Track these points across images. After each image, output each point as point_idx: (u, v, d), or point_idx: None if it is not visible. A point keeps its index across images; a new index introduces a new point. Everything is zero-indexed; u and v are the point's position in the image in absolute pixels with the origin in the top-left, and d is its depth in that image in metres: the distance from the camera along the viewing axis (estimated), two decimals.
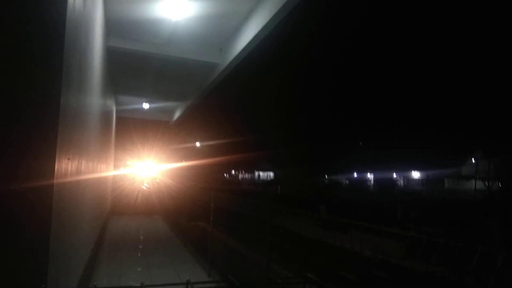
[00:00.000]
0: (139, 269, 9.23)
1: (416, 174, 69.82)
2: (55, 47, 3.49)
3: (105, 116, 11.41)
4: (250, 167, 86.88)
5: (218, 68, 11.38)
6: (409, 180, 70.33)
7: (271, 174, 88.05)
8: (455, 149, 57.07)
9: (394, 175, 68.43)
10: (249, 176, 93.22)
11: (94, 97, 7.39)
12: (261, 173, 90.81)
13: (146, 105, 18.02)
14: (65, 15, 3.57)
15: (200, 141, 38.49)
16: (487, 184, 45.47)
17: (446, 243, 7.46)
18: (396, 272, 7.87)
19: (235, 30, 9.41)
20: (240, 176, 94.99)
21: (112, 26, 9.49)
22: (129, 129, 20.28)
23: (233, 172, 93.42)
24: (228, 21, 9.01)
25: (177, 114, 20.05)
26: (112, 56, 10.85)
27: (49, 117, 3.41)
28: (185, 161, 30.20)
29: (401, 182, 67.92)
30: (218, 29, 9.57)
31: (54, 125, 3.45)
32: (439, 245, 7.80)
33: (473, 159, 54.74)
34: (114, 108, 16.86)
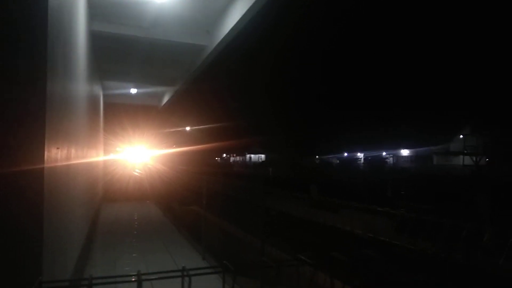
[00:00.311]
0: (134, 256, 9.28)
1: (405, 152, 70.70)
2: (39, 34, 3.40)
3: (93, 102, 11.24)
4: (241, 150, 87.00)
5: (205, 51, 11.22)
6: (398, 157, 71.25)
7: (262, 156, 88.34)
8: (443, 125, 57.84)
9: (384, 153, 69.28)
10: (241, 159, 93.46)
11: (81, 83, 7.25)
12: (252, 156, 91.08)
13: (134, 90, 17.78)
14: (46, 2, 3.46)
15: (191, 125, 38.31)
16: (474, 159, 46.25)
17: (435, 220, 7.63)
18: (387, 250, 8.04)
19: (222, 11, 9.24)
20: (232, 159, 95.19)
21: (96, 10, 9.23)
22: (118, 115, 20.03)
23: (224, 155, 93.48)
24: (214, 1, 8.84)
25: (166, 99, 19.85)
26: (97, 41, 10.61)
27: (36, 106, 3.34)
28: (175, 146, 30.08)
29: (390, 160, 68.83)
30: (204, 10, 9.39)
31: (41, 114, 3.39)
32: (428, 222, 7.97)
33: (461, 135, 55.51)
34: (101, 94, 16.60)
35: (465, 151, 48.86)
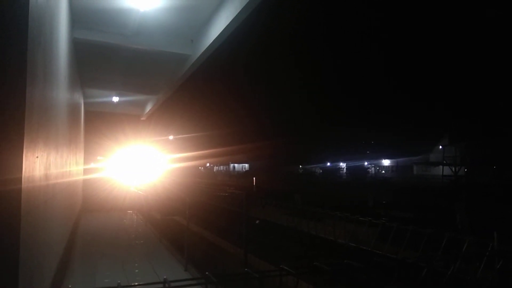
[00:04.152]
0: (114, 267, 9.07)
1: (386, 162, 71.77)
2: (18, 41, 3.33)
3: (74, 110, 11.05)
4: (225, 160, 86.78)
5: (189, 60, 11.20)
6: (379, 167, 72.26)
7: (246, 165, 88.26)
8: (423, 136, 59.12)
9: (366, 163, 70.16)
10: (224, 168, 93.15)
11: (61, 92, 7.13)
12: (236, 165, 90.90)
13: (116, 99, 17.57)
14: (27, 7, 3.40)
15: (173, 134, 38.03)
16: (453, 169, 47.29)
17: (415, 229, 7.73)
18: (368, 259, 8.10)
19: (207, 20, 9.27)
20: (215, 168, 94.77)
21: (78, 17, 9.15)
22: (99, 123, 19.75)
23: (208, 164, 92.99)
24: (199, 11, 8.86)
25: (148, 108, 19.68)
26: (79, 48, 10.48)
27: (15, 113, 3.26)
28: (159, 155, 29.72)
29: (372, 169, 69.72)
30: (188, 20, 9.40)
31: (20, 121, 3.30)
32: (408, 231, 8.07)
33: (440, 146, 56.73)
34: (82, 102, 16.35)
35: (444, 162, 49.97)
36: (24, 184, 3.37)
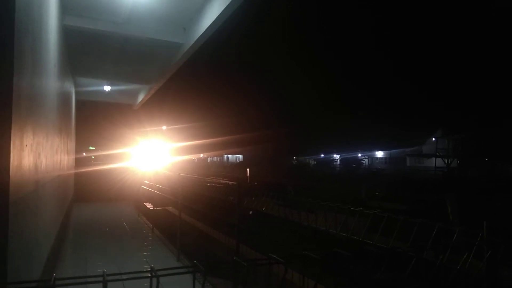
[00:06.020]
0: (106, 257, 9.07)
1: (379, 153, 72.19)
2: (5, 28, 3.26)
3: (64, 100, 10.92)
4: (219, 150, 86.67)
5: (182, 49, 11.09)
6: (373, 159, 72.70)
7: (240, 156, 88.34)
8: (417, 128, 59.48)
9: (359, 155, 70.55)
10: (218, 159, 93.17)
11: (51, 80, 7.03)
12: (229, 156, 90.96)
13: (107, 88, 17.39)
14: None
15: (166, 125, 37.84)
16: (446, 161, 47.73)
17: (406, 220, 7.77)
18: (359, 248, 8.15)
19: (199, 8, 9.17)
20: (209, 159, 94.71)
21: (68, 4, 8.99)
22: (91, 113, 19.56)
23: (201, 155, 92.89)
24: None
25: (141, 97, 19.52)
26: (69, 36, 10.32)
27: (1, 102, 3.21)
28: (150, 145, 29.57)
29: (365, 161, 70.14)
30: (180, 7, 9.30)
31: (7, 111, 3.25)
32: (399, 221, 8.11)
33: (433, 138, 57.10)
34: (73, 91, 16.16)
35: (437, 154, 50.36)
36: (12, 173, 3.32)
